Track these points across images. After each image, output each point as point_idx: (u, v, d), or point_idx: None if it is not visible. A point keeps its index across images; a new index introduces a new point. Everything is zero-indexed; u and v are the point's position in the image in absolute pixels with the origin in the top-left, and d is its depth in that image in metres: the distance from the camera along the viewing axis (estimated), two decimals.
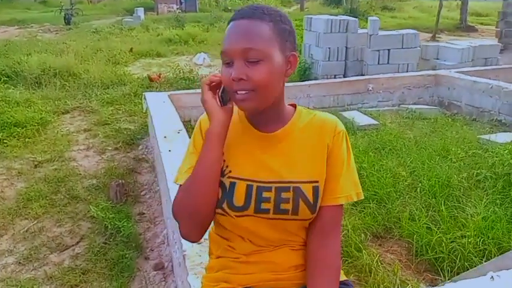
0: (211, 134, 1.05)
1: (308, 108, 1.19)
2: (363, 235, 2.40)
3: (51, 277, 2.48)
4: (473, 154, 3.50)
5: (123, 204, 3.25)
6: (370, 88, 5.65)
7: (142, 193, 3.52)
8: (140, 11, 16.96)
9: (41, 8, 27.60)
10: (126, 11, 21.82)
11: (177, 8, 22.78)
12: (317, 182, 1.07)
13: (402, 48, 7.14)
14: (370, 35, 7.11)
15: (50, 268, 2.57)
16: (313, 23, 7.81)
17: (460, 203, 2.70)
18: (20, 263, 2.62)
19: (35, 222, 3.05)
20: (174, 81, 7.07)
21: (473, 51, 7.35)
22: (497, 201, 2.70)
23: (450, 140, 3.90)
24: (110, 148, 4.44)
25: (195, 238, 1.11)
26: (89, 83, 6.98)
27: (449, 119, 4.92)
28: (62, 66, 7.39)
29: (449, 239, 2.28)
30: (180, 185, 1.09)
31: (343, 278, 1.15)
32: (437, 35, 14.47)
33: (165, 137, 3.10)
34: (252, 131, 1.09)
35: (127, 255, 2.62)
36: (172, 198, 1.96)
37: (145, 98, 4.76)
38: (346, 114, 4.84)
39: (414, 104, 5.76)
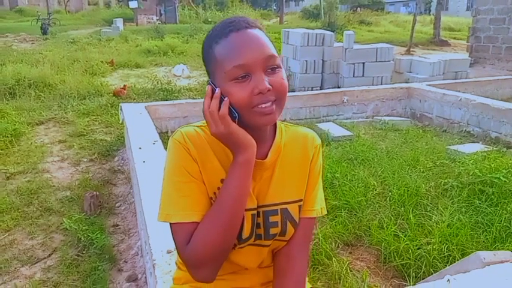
0: (249, 163, 0.93)
1: (282, 121, 1.13)
2: (333, 243, 2.46)
3: None
4: (441, 164, 3.63)
5: (97, 216, 3.23)
6: (345, 100, 5.79)
7: (117, 205, 3.50)
8: (119, 22, 16.90)
9: (17, 17, 27.17)
10: (105, 22, 21.71)
11: (157, 19, 22.80)
12: (302, 200, 1.06)
13: (376, 61, 7.36)
14: (346, 49, 7.30)
15: (20, 281, 2.53)
16: (290, 36, 7.97)
17: (427, 211, 2.80)
18: None
19: (6, 235, 3.00)
20: (152, 92, 7.07)
21: (444, 65, 7.63)
22: (463, 209, 2.81)
23: (420, 151, 4.03)
24: (85, 159, 4.40)
25: (213, 279, 0.97)
26: (65, 93, 6.91)
27: (421, 130, 5.07)
28: (37, 77, 7.31)
29: (416, 245, 2.37)
30: (179, 224, 0.94)
31: (308, 286, 1.18)
32: (411, 49, 14.90)
33: (140, 148, 3.11)
34: None
35: (100, 267, 2.60)
36: (146, 209, 1.95)
37: (121, 109, 4.75)
38: (321, 125, 4.95)
39: (388, 115, 5.92)
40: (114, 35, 15.13)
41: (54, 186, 3.75)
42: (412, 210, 2.79)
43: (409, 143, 4.46)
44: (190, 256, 0.92)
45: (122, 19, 17.71)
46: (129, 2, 22.34)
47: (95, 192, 3.39)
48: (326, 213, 1.14)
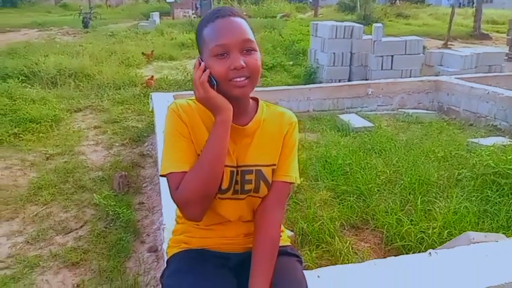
0: (225, 123, 1.13)
1: (265, 101, 1.34)
2: (337, 223, 2.58)
3: (55, 255, 2.73)
4: (458, 155, 3.65)
5: (124, 194, 3.50)
6: (370, 92, 5.82)
7: (144, 185, 3.76)
8: (156, 16, 17.38)
9: (61, 12, 28.40)
10: (143, 16, 22.35)
11: (193, 13, 23.23)
12: (275, 164, 1.26)
13: (405, 54, 7.29)
14: (374, 41, 7.28)
15: (54, 248, 2.82)
16: (319, 28, 8.02)
17: (436, 199, 2.87)
18: (28, 242, 2.88)
19: (44, 207, 3.32)
20: (182, 83, 7.35)
21: (477, 58, 7.44)
22: (472, 198, 2.85)
23: (439, 143, 4.05)
24: (117, 144, 4.72)
25: (200, 218, 1.17)
26: (102, 83, 7.31)
27: (445, 123, 5.05)
28: (77, 68, 7.75)
29: (419, 229, 2.46)
30: (172, 174, 1.14)
31: (286, 243, 1.35)
32: (449, 42, 14.47)
33: (163, 132, 3.34)
34: None
35: (124, 239, 2.86)
36: (163, 181, 2.17)
37: (151, 98, 5.03)
38: (342, 116, 5.02)
39: (414, 108, 5.90)
40: (151, 28, 15.60)
41: (88, 167, 4.07)
42: (421, 197, 2.86)
43: (430, 135, 4.47)
44: (179, 198, 1.13)
45: (158, 13, 18.19)
46: None
47: (123, 173, 3.66)
48: (299, 182, 1.34)
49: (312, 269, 1.63)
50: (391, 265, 1.56)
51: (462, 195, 2.86)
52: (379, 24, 7.38)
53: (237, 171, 1.22)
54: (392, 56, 7.28)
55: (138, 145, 4.73)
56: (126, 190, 3.55)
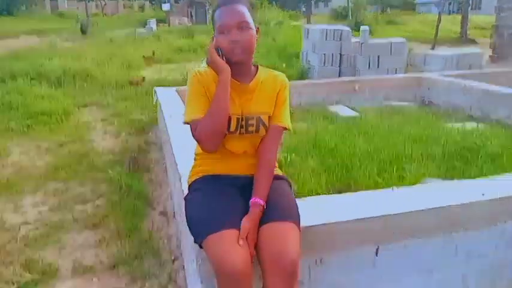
0: (226, 81, 1.53)
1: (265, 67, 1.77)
2: (323, 187, 3.00)
3: (77, 219, 3.11)
4: (432, 135, 4.08)
5: (135, 172, 3.89)
6: (356, 88, 6.27)
7: (151, 166, 4.16)
8: (153, 23, 17.89)
9: (57, 20, 28.79)
10: (139, 23, 22.86)
11: (188, 21, 23.80)
12: (270, 113, 1.68)
13: (391, 55, 7.79)
14: (361, 43, 7.77)
15: (75, 214, 3.20)
16: (310, 32, 8.52)
17: (409, 169, 3.29)
18: (51, 210, 3.26)
19: (62, 184, 3.70)
20: (183, 81, 7.76)
21: (457, 58, 7.95)
22: (441, 167, 3.29)
23: (417, 128, 4.49)
24: (124, 133, 5.11)
25: (214, 150, 1.58)
26: (105, 83, 7.73)
27: (424, 113, 5.50)
28: (80, 69, 8.17)
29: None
30: (193, 121, 1.54)
31: (279, 173, 1.76)
32: (436, 47, 15.06)
33: (170, 116, 3.75)
34: (233, 83, 1.59)
35: (137, 206, 3.25)
36: (178, 158, 2.58)
37: (155, 92, 5.44)
38: (331, 107, 5.47)
39: (398, 102, 6.35)
40: (148, 35, 16.09)
41: (99, 151, 4.46)
42: (396, 168, 3.29)
43: (410, 122, 4.91)
44: (198, 136, 1.55)
45: (155, 20, 18.72)
46: (162, 5, 23.43)
47: (133, 154, 4.06)
48: (291, 129, 1.74)
49: None
50: (363, 196, 1.97)
51: (432, 165, 3.29)
52: (366, 27, 7.87)
53: (242, 118, 1.64)
54: (378, 56, 7.78)
55: (143, 134, 5.12)
56: (136, 168, 3.94)
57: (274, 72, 1.74)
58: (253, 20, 1.61)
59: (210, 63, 1.58)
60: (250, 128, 1.64)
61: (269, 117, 1.67)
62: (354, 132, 4.39)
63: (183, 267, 2.48)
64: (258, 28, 1.64)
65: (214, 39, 1.59)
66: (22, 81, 6.75)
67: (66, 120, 5.52)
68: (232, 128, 1.61)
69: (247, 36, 1.56)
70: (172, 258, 2.62)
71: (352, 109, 5.56)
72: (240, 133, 1.64)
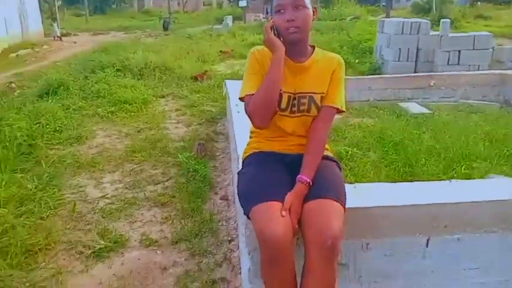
0: (279, 59, 1.57)
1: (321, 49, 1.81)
2: (382, 181, 2.95)
3: (147, 197, 3.40)
4: (511, 135, 3.80)
5: (202, 158, 4.13)
6: (432, 84, 5.98)
7: (217, 154, 4.37)
8: (229, 19, 18.42)
9: (144, 17, 30.78)
10: (217, 20, 23.68)
11: (264, 17, 24.12)
12: (324, 93, 1.71)
13: (473, 49, 7.28)
14: (441, 36, 7.36)
15: (147, 193, 3.50)
16: (385, 25, 8.24)
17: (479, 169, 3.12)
18: (126, 188, 3.59)
19: (138, 165, 4.04)
20: None
21: None
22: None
23: (496, 126, 4.19)
24: (195, 123, 5.41)
25: (264, 126, 1.63)
26: (181, 76, 8.18)
27: (506, 113, 5.10)
28: (160, 62, 8.72)
29: None
30: (247, 96, 1.61)
31: (329, 153, 1.80)
32: None
33: (236, 105, 3.91)
34: (288, 61, 1.65)
35: (202, 188, 3.46)
36: (240, 149, 2.69)
37: (225, 85, 5.67)
38: (402, 104, 5.29)
39: (477, 101, 5.95)
40: (224, 31, 16.62)
41: (171, 138, 4.78)
42: (464, 167, 3.13)
43: (487, 121, 4.59)
44: (249, 110, 1.62)
45: (231, 16, 19.24)
46: (239, 1, 24.01)
47: (202, 141, 4.30)
48: (345, 110, 1.75)
49: None
50: (416, 185, 1.92)
51: (505, 165, 3.08)
52: (447, 19, 7.44)
53: (294, 96, 1.69)
54: (459, 51, 7.32)
55: (213, 125, 5.38)
56: (203, 155, 4.18)
57: (331, 54, 1.77)
58: (310, 2, 1.63)
59: (266, 42, 1.62)
60: (301, 107, 1.68)
61: (322, 97, 1.70)
62: (422, 129, 4.23)
63: (238, 247, 2.62)
64: (315, 8, 1.67)
65: (271, 18, 1.65)
66: (109, 72, 7.40)
67: (145, 108, 5.96)
68: (283, 105, 1.66)
69: (302, 15, 1.59)
70: (229, 239, 2.77)
71: (425, 106, 5.32)
72: (291, 111, 1.68)
